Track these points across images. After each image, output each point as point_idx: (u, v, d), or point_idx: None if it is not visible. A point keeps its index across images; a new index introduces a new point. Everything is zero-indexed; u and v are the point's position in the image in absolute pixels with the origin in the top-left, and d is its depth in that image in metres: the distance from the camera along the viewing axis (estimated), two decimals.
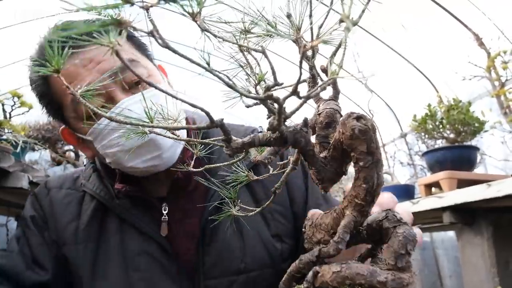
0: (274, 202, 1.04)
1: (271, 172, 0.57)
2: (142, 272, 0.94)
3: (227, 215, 0.62)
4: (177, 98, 0.36)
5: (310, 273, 0.44)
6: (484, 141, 3.22)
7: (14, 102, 2.11)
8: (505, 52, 2.63)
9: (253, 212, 0.60)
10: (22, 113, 2.19)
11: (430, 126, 2.50)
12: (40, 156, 2.94)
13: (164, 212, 0.97)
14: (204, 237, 0.95)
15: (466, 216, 2.07)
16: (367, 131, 0.41)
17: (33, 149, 2.58)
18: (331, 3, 0.48)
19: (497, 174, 2.64)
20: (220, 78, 0.34)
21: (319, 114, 0.51)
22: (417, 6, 3.71)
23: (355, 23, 0.31)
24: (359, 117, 0.42)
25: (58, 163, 2.90)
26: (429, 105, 2.53)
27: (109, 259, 0.96)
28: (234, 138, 0.45)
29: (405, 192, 2.85)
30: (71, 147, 3.00)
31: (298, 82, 0.35)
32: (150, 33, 0.29)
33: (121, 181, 0.99)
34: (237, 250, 0.95)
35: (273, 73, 0.38)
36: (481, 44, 3.21)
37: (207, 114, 0.38)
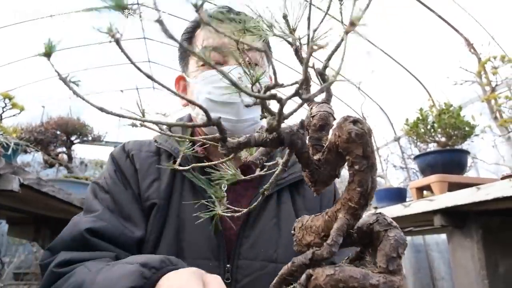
0: (309, 213, 1.12)
1: (257, 172, 0.57)
2: (191, 238, 1.00)
3: (212, 214, 0.63)
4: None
5: (304, 276, 0.45)
6: (476, 145, 3.25)
7: (6, 103, 2.10)
8: (495, 58, 2.67)
9: (239, 213, 0.61)
10: (14, 115, 2.18)
11: (422, 130, 2.52)
12: (33, 158, 2.92)
13: (224, 189, 1.05)
14: (247, 221, 1.03)
15: (456, 219, 2.09)
16: (364, 135, 0.42)
17: (25, 151, 2.57)
18: (328, 8, 0.49)
19: (487, 178, 2.66)
20: (223, 73, 0.34)
21: (312, 117, 0.51)
22: (411, 12, 3.76)
23: (363, 35, 0.31)
24: (355, 121, 0.43)
25: (51, 165, 2.89)
26: (420, 109, 2.56)
27: (169, 219, 1.02)
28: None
29: (397, 195, 2.87)
30: (64, 149, 2.99)
31: (302, 83, 0.36)
32: (158, 21, 0.30)
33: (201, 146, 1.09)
34: (273, 241, 1.03)
35: (274, 73, 0.39)
36: (472, 49, 3.25)
37: (205, 112, 0.38)
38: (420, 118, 2.52)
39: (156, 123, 0.45)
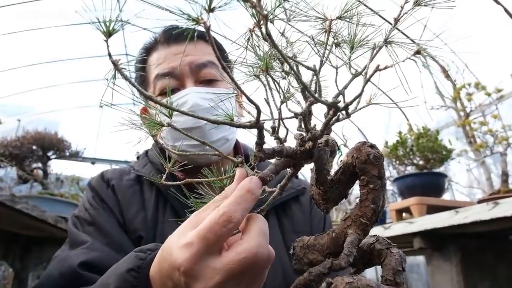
0: (297, 235, 1.08)
1: (267, 190, 0.58)
2: None
3: None
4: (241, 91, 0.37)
5: (324, 284, 0.46)
6: (451, 168, 3.35)
7: None
8: (469, 85, 2.78)
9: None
10: None
11: (401, 153, 2.57)
12: (6, 173, 2.82)
13: None
14: None
15: (435, 241, 2.12)
16: (380, 158, 0.47)
17: None
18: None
19: (464, 201, 2.73)
20: (298, 76, 0.35)
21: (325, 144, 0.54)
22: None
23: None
24: (372, 145, 0.48)
25: (25, 181, 2.79)
26: (400, 133, 2.62)
27: None
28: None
29: None
30: (40, 164, 2.90)
31: (357, 97, 0.38)
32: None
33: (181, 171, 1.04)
34: None
35: (319, 89, 0.41)
36: (447, 76, 3.38)
37: (258, 112, 0.39)
38: (400, 141, 2.58)
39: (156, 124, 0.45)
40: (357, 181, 0.50)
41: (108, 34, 0.32)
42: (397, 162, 2.70)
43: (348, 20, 0.46)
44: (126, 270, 0.60)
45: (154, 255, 0.59)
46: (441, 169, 2.57)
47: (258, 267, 0.50)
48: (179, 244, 0.49)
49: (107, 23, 0.32)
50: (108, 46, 0.32)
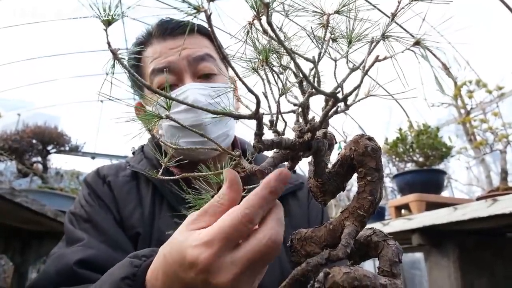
0: (294, 230, 1.07)
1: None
2: None
3: None
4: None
5: (321, 274, 0.46)
6: (450, 165, 3.35)
7: None
8: (470, 82, 2.77)
9: None
10: None
11: (401, 150, 2.58)
12: (6, 167, 2.83)
13: None
14: None
15: (433, 238, 2.13)
16: (378, 150, 0.48)
17: None
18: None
19: (463, 198, 2.74)
20: (298, 67, 0.35)
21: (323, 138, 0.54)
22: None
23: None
24: (370, 138, 0.49)
25: (25, 175, 2.79)
26: (400, 130, 2.62)
27: (152, 244, 0.95)
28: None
29: (376, 213, 2.91)
30: (39, 158, 2.91)
31: (356, 88, 0.38)
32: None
33: (177, 166, 1.02)
34: None
35: (318, 81, 0.41)
36: (449, 73, 3.37)
37: (258, 102, 0.40)
38: (400, 138, 2.58)
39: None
40: (355, 174, 0.51)
41: (108, 23, 0.32)
42: (397, 159, 2.70)
43: (345, 14, 0.47)
44: (120, 278, 0.59)
45: (150, 262, 0.59)
46: (440, 166, 2.58)
47: (274, 254, 0.51)
48: (193, 243, 0.50)
49: (107, 11, 0.32)
50: (107, 35, 0.32)
